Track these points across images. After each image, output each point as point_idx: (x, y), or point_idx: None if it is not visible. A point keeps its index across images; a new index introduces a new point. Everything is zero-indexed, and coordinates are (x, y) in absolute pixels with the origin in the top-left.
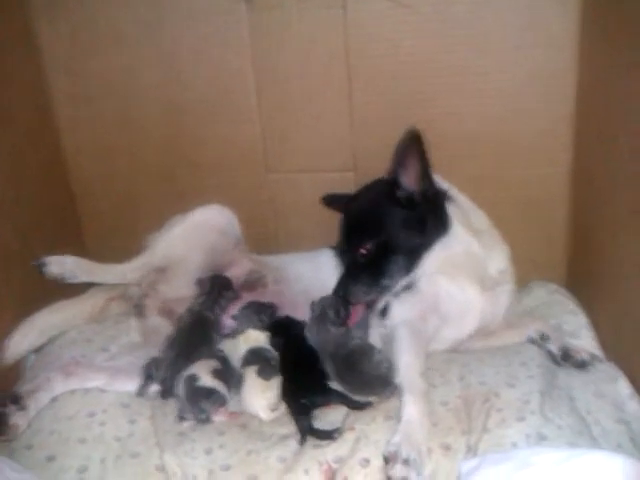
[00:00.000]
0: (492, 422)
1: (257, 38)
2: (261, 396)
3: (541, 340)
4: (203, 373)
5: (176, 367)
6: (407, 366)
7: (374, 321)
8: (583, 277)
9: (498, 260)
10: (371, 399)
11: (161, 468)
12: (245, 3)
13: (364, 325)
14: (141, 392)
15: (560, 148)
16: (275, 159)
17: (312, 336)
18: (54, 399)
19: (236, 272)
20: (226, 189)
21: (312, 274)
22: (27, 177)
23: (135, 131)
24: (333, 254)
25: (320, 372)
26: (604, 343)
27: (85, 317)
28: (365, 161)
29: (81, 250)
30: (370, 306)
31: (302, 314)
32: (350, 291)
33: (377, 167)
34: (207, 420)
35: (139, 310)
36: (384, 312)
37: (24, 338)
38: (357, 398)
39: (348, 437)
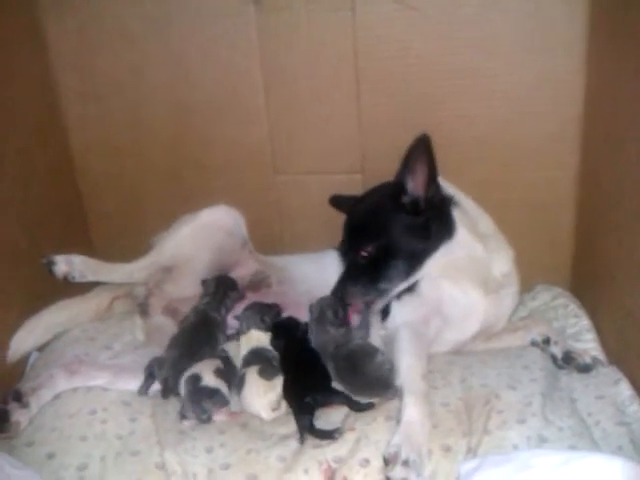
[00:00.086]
0: (493, 424)
1: (265, 39)
2: (262, 396)
3: (544, 343)
4: (206, 373)
5: (179, 367)
6: (408, 368)
7: (374, 323)
8: (587, 280)
9: (502, 263)
10: (373, 400)
11: (161, 466)
12: (254, 4)
13: (365, 326)
14: (142, 391)
15: (568, 151)
16: (283, 160)
17: (313, 337)
18: (56, 396)
19: (241, 272)
20: (233, 190)
21: (316, 275)
22: (35, 176)
23: (143, 131)
24: (337, 255)
25: (323, 371)
26: (607, 346)
27: (90, 315)
28: (373, 163)
29: (88, 249)
30: (369, 306)
31: (306, 315)
32: (348, 292)
33: (385, 169)
34: (208, 420)
35: (143, 309)
36: (385, 314)
37: (29, 335)
38: (359, 399)
39: (348, 437)
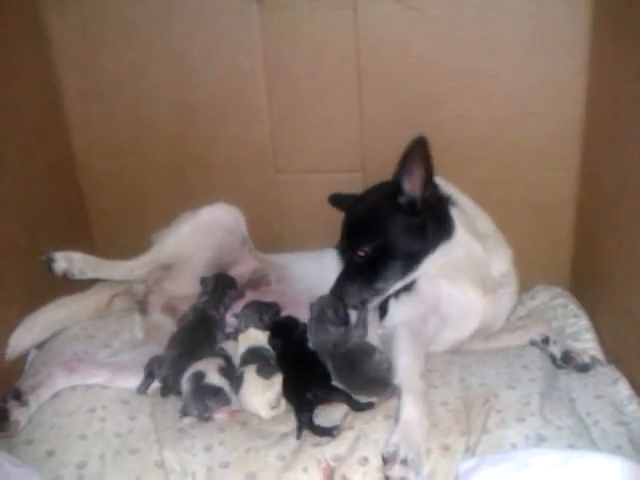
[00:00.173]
0: (492, 423)
1: (268, 38)
2: (261, 395)
3: (543, 343)
4: (211, 371)
5: (179, 366)
6: (406, 367)
7: (373, 321)
8: (587, 280)
9: (501, 263)
10: (372, 399)
11: (160, 464)
12: (256, 3)
13: (363, 325)
14: (141, 390)
15: (569, 152)
16: (284, 159)
17: (312, 336)
18: (55, 394)
19: (241, 270)
20: (235, 189)
21: (315, 273)
22: (36, 174)
23: (145, 129)
24: (337, 254)
25: (323, 369)
26: (606, 346)
27: (89, 313)
28: (374, 162)
29: (89, 247)
30: (365, 305)
31: (304, 313)
32: (346, 291)
33: (386, 168)
34: (210, 418)
35: (142, 306)
36: (383, 313)
37: (27, 333)
38: (358, 398)
39: (347, 435)
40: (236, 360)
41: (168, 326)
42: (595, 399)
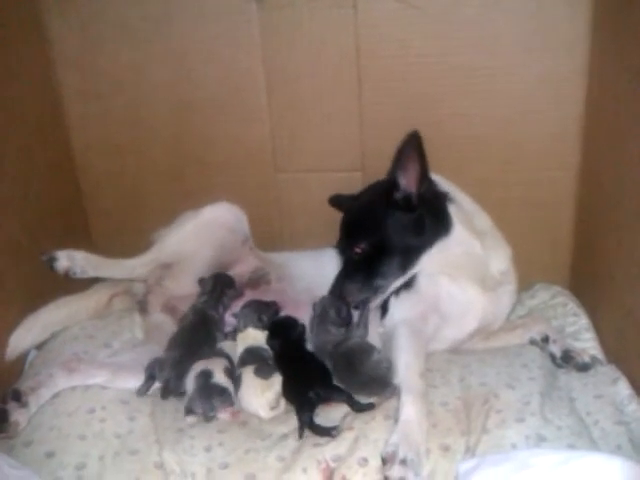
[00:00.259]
0: (491, 423)
1: (267, 37)
2: (260, 395)
3: (543, 342)
4: (217, 371)
5: (180, 367)
6: (406, 366)
7: (373, 320)
8: (587, 280)
9: (500, 261)
10: (372, 400)
11: (160, 465)
12: (256, 2)
13: (364, 324)
14: (141, 392)
15: (568, 151)
16: (284, 159)
17: (312, 336)
18: (54, 395)
19: (241, 269)
20: (234, 188)
21: (315, 272)
22: (36, 173)
23: (144, 129)
24: (336, 253)
25: (323, 368)
26: (606, 346)
27: (89, 313)
28: (374, 161)
29: (88, 247)
30: (366, 304)
31: (304, 312)
32: (346, 289)
33: (385, 167)
34: (213, 417)
35: (142, 306)
36: (383, 311)
37: (27, 333)
38: (358, 398)
39: (347, 436)
40: (235, 360)
41: (168, 326)
42: (595, 399)
